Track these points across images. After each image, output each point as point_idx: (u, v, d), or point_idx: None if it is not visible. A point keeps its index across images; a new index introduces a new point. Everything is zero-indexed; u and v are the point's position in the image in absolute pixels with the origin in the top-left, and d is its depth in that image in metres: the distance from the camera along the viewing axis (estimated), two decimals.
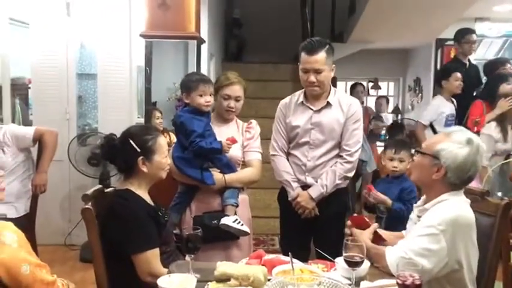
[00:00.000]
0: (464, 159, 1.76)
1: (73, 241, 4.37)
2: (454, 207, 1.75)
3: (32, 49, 4.39)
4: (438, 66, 6.47)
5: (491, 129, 3.82)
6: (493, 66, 4.61)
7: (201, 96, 2.44)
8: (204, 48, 4.37)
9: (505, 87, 4.03)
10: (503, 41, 7.24)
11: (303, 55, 2.52)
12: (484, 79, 4.77)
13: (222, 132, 2.50)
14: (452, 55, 6.34)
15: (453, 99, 4.43)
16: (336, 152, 2.59)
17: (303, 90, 2.63)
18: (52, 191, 4.02)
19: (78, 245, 4.23)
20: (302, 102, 2.62)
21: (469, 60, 4.75)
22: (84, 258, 3.94)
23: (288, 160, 2.66)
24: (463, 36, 4.68)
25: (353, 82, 6.46)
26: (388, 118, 6.77)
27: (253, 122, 2.65)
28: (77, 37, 4.46)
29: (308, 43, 2.53)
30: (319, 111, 2.58)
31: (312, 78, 2.49)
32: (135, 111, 4.48)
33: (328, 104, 2.58)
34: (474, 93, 4.60)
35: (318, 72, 2.49)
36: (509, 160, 3.79)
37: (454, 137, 1.80)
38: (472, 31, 4.76)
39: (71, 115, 4.44)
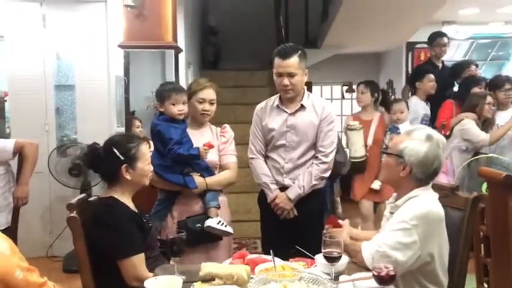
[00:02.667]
0: (425, 154, 1.87)
1: (55, 252, 4.36)
2: (424, 202, 1.86)
3: (7, 62, 4.38)
4: (409, 69, 6.67)
5: (470, 121, 3.99)
6: (459, 68, 4.78)
7: (173, 105, 2.51)
8: (182, 57, 4.42)
9: (475, 90, 4.21)
10: (470, 43, 7.50)
11: (277, 60, 2.61)
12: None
13: (196, 138, 2.57)
14: (422, 58, 6.59)
15: (427, 101, 4.58)
16: (311, 153, 2.68)
17: (278, 94, 2.73)
18: (32, 203, 3.99)
19: (60, 256, 4.22)
20: (277, 105, 2.71)
21: (442, 62, 4.93)
22: (67, 269, 3.94)
23: (266, 163, 2.74)
24: (435, 39, 4.87)
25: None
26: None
27: (227, 126, 2.74)
28: (54, 49, 4.46)
29: (281, 48, 2.64)
30: (293, 113, 2.68)
31: (286, 81, 2.59)
32: (115, 120, 4.51)
33: (303, 107, 2.67)
34: (447, 94, 4.77)
35: (291, 75, 2.58)
36: (478, 157, 3.96)
37: (415, 135, 1.92)
38: (443, 34, 4.95)
39: (50, 126, 4.44)
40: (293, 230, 2.67)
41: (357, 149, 3.85)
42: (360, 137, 3.86)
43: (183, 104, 2.54)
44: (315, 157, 2.68)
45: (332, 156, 2.69)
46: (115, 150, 2.06)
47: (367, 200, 3.98)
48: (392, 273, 1.48)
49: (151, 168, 2.19)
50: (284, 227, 2.67)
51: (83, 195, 2.18)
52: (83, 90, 4.43)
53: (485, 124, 4.12)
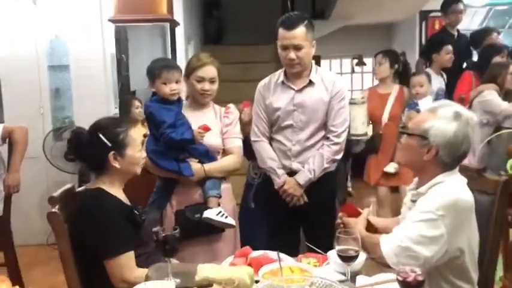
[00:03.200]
0: (454, 134, 1.63)
1: (54, 241, 4.19)
2: (452, 189, 1.62)
3: None
4: (423, 39, 6.35)
5: (492, 92, 3.68)
6: (480, 36, 4.48)
7: (165, 84, 2.27)
8: (180, 31, 4.18)
9: (496, 60, 3.91)
10: (487, 10, 7.13)
11: (281, 31, 2.35)
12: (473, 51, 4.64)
13: (198, 120, 2.33)
14: (437, 27, 6.23)
15: (443, 73, 4.29)
16: (321, 133, 2.44)
17: (283, 69, 2.47)
18: (29, 189, 3.86)
19: None
20: (282, 81, 2.45)
21: (457, 31, 4.61)
22: None
23: (271, 145, 2.50)
24: (449, 6, 4.53)
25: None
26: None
27: (232, 106, 2.49)
28: (46, 27, 4.22)
29: (286, 18, 2.37)
30: (301, 90, 2.42)
31: (292, 55, 2.33)
32: (112, 101, 4.29)
33: (311, 83, 2.42)
34: (464, 65, 4.47)
35: (297, 48, 2.32)
36: (500, 133, 3.69)
37: (440, 113, 1.67)
38: (458, 0, 4.60)
39: (45, 109, 4.25)
40: (302, 218, 2.46)
41: (357, 126, 3.42)
42: (360, 113, 3.45)
43: (176, 82, 2.30)
44: (325, 138, 2.44)
45: (344, 136, 2.45)
46: (101, 136, 1.83)
47: (383, 186, 3.67)
48: (420, 278, 1.25)
49: (144, 154, 1.96)
50: (292, 215, 2.45)
51: (68, 186, 1.96)
52: (78, 70, 4.22)
53: (508, 96, 3.81)
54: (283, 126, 2.45)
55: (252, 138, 2.52)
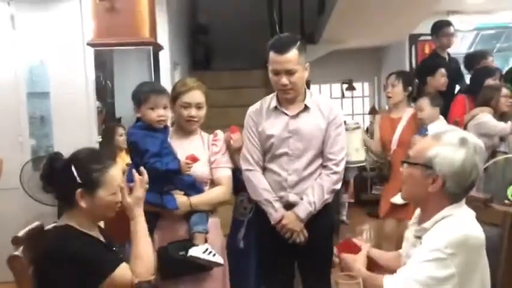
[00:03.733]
0: (462, 163, 1.47)
1: None
2: (461, 224, 1.47)
3: None
4: (413, 63, 6.30)
5: (486, 114, 3.56)
6: (474, 59, 4.42)
7: (152, 109, 2.10)
8: (166, 56, 4.08)
9: (489, 82, 3.82)
10: (474, 35, 7.15)
11: (272, 55, 2.19)
12: (465, 73, 4.58)
13: (184, 148, 2.17)
14: (427, 50, 6.20)
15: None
16: (319, 162, 2.27)
17: (275, 93, 2.32)
18: (8, 221, 3.66)
19: None
20: (275, 107, 2.29)
21: (448, 54, 4.55)
22: None
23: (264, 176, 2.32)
24: (441, 29, 4.46)
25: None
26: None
27: (219, 132, 2.32)
28: (25, 53, 4.11)
29: (276, 40, 2.23)
30: (295, 116, 2.26)
31: (284, 80, 2.17)
32: (95, 129, 4.12)
33: (306, 108, 2.26)
34: (457, 88, 4.39)
35: (290, 73, 2.17)
36: (498, 159, 3.57)
37: (445, 139, 1.51)
38: (449, 23, 4.56)
39: (24, 138, 4.08)
40: (297, 253, 2.26)
41: (350, 153, 3.15)
42: (354, 139, 3.28)
43: (164, 108, 2.14)
44: (323, 166, 2.27)
45: (343, 164, 2.29)
46: (73, 168, 1.66)
47: (391, 218, 3.36)
48: None
49: (118, 199, 1.72)
50: (286, 251, 2.26)
51: (36, 224, 1.77)
52: (59, 97, 4.11)
53: (504, 118, 3.72)
54: (278, 155, 2.27)
55: (244, 167, 2.32)
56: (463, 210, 1.54)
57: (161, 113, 2.12)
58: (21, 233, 1.65)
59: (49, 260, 1.57)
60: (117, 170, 1.72)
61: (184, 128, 2.25)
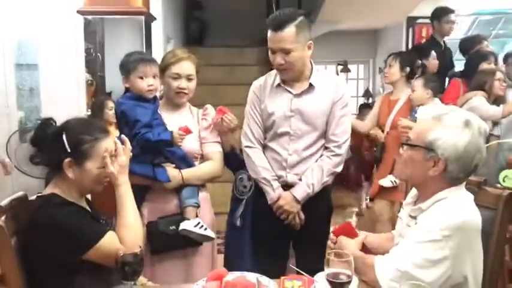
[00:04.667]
0: (466, 146, 1.42)
1: None
2: (460, 208, 1.43)
3: None
4: (410, 46, 6.22)
5: (479, 98, 3.53)
6: (470, 44, 4.36)
7: (141, 78, 2.05)
8: (159, 29, 3.97)
9: (484, 66, 3.78)
10: (472, 20, 7.09)
11: (269, 32, 2.09)
12: (457, 59, 4.54)
13: (173, 121, 2.11)
14: (424, 34, 6.12)
15: None
16: (321, 143, 2.19)
17: None
18: None
19: None
20: (279, 84, 2.19)
21: (444, 42, 4.50)
22: None
23: (264, 154, 2.25)
24: (445, 15, 4.37)
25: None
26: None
27: (209, 107, 2.27)
28: (13, 24, 3.94)
29: (274, 17, 2.09)
30: (300, 95, 2.17)
31: (279, 59, 2.07)
32: (84, 103, 4.03)
33: (311, 87, 2.17)
34: (446, 77, 4.37)
35: (285, 52, 2.05)
36: (490, 144, 3.55)
37: (448, 121, 1.46)
38: (452, 10, 4.49)
39: (11, 109, 3.95)
40: (292, 234, 2.21)
41: None
42: None
43: (154, 77, 2.08)
44: (325, 148, 2.19)
45: (346, 147, 2.20)
46: (64, 136, 1.60)
47: (381, 200, 3.35)
48: None
49: (108, 171, 1.65)
50: (281, 231, 2.21)
51: (20, 193, 1.71)
52: (49, 68, 3.94)
53: (497, 103, 3.69)
54: (279, 134, 2.19)
55: (245, 144, 2.25)
56: (462, 193, 1.51)
57: (151, 82, 2.07)
58: (3, 203, 1.59)
59: (34, 230, 1.53)
60: (108, 143, 1.67)
61: (174, 101, 2.18)
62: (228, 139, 2.26)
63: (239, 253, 2.40)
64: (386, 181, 3.19)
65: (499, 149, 3.63)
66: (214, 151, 2.20)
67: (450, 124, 1.45)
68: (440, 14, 4.40)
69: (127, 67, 2.09)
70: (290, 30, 2.03)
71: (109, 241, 1.54)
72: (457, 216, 1.40)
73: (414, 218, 1.52)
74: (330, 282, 1.27)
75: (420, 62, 3.68)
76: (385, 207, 3.31)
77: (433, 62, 4.03)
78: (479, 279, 1.50)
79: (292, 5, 6.01)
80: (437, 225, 1.38)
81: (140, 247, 1.39)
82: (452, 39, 5.29)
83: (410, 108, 3.25)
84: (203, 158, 2.20)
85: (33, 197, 1.74)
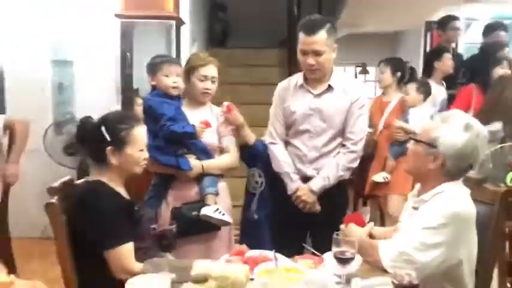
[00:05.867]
0: (463, 146, 1.62)
1: (52, 234, 4.17)
2: (456, 199, 1.63)
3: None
4: (428, 50, 6.33)
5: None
6: (493, 49, 4.25)
7: (167, 76, 2.30)
8: (186, 32, 4.19)
9: (498, 72, 3.88)
10: None
11: (301, 35, 2.30)
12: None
13: (194, 118, 2.33)
14: None
15: (443, 82, 4.27)
16: (339, 140, 2.40)
17: (302, 72, 2.44)
18: (28, 181, 3.85)
19: None
20: (302, 85, 2.42)
21: (453, 49, 4.60)
22: None
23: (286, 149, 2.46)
24: (448, 22, 4.50)
25: None
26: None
27: (226, 104, 2.45)
28: (51, 22, 4.22)
29: (307, 22, 2.32)
30: (319, 95, 2.39)
31: (311, 60, 2.29)
32: (114, 98, 4.28)
33: (330, 88, 2.38)
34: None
35: (317, 54, 2.27)
36: (502, 145, 3.66)
37: (452, 123, 1.66)
38: (456, 17, 4.59)
39: (48, 103, 4.26)
40: (309, 225, 2.40)
41: None
42: None
43: (177, 76, 2.32)
44: (342, 145, 2.40)
45: (362, 144, 2.41)
46: (103, 129, 1.84)
47: (372, 195, 3.59)
48: (415, 282, 1.26)
49: (146, 155, 1.93)
50: (299, 225, 2.40)
51: (68, 178, 1.96)
52: (82, 65, 4.24)
53: None
54: (300, 131, 2.41)
55: (269, 140, 2.47)
56: (459, 187, 1.70)
57: (175, 80, 2.31)
58: (55, 184, 1.83)
59: (81, 210, 1.76)
60: (142, 129, 1.91)
61: (198, 100, 2.40)
62: (237, 135, 2.45)
63: (259, 245, 2.59)
64: (379, 177, 3.41)
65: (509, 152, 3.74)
66: (231, 145, 2.42)
67: (453, 125, 1.65)
68: (444, 22, 4.53)
69: (154, 67, 2.33)
70: (322, 34, 2.26)
71: (122, 252, 1.71)
72: (453, 207, 1.59)
73: (417, 209, 1.72)
74: (337, 259, 1.48)
75: (409, 66, 3.80)
76: (395, 201, 3.41)
77: (447, 62, 4.10)
78: (473, 263, 1.68)
79: (313, 9, 6.23)
80: (435, 214, 1.58)
81: (175, 224, 1.60)
82: (472, 44, 5.37)
83: (402, 110, 3.47)
84: (222, 152, 2.42)
85: (81, 181, 1.99)
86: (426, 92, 3.53)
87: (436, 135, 1.65)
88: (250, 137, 2.47)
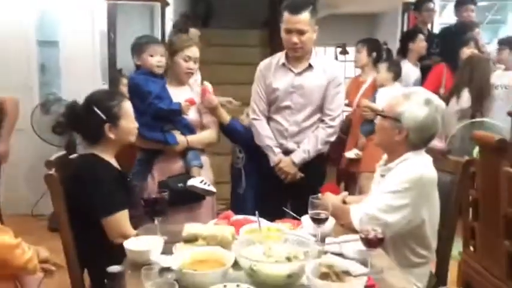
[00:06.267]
0: (424, 119, 1.80)
1: (40, 211, 4.30)
2: (418, 165, 1.80)
3: None
4: (405, 31, 6.49)
5: (456, 103, 3.81)
6: (463, 29, 4.46)
7: (151, 56, 2.43)
8: (170, 12, 4.26)
9: (465, 51, 4.03)
10: None
11: (286, 14, 2.42)
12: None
13: (177, 96, 2.47)
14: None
15: (418, 63, 4.43)
16: (317, 116, 2.56)
17: (284, 51, 2.57)
18: (16, 160, 3.94)
19: (45, 215, 4.16)
20: (283, 63, 2.56)
21: (428, 30, 4.78)
22: (52, 227, 3.90)
23: (268, 124, 2.62)
24: (422, 4, 4.69)
25: None
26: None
27: (207, 83, 2.62)
28: (36, 2, 4.26)
29: (291, 2, 2.43)
30: (300, 73, 2.53)
31: (295, 39, 2.42)
32: (99, 78, 4.37)
33: (310, 67, 2.53)
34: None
35: (301, 33, 2.41)
36: (469, 121, 3.86)
37: (413, 98, 1.83)
38: None
39: (33, 83, 4.32)
40: (290, 195, 2.55)
41: None
42: None
43: (161, 56, 2.46)
44: (320, 120, 2.57)
45: (339, 120, 2.59)
46: (96, 109, 1.96)
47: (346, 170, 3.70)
48: (380, 236, 1.43)
49: (137, 124, 2.08)
50: (281, 192, 2.56)
51: (63, 152, 2.10)
52: (68, 46, 4.30)
53: None
54: (282, 107, 2.56)
55: (251, 116, 2.63)
56: (422, 155, 1.88)
57: (159, 59, 2.45)
58: (51, 158, 1.96)
59: (79, 179, 1.89)
60: (129, 102, 2.05)
61: (180, 79, 2.53)
62: (212, 115, 2.60)
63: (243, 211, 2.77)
64: (351, 153, 3.57)
65: (482, 129, 3.94)
66: (211, 121, 2.58)
67: (414, 101, 1.82)
68: (419, 4, 4.71)
69: (139, 47, 2.48)
70: (306, 14, 2.39)
71: (119, 218, 1.86)
72: (415, 171, 1.77)
73: (383, 176, 1.90)
74: (313, 219, 1.65)
75: (386, 47, 3.96)
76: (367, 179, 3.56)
77: (420, 44, 4.29)
78: (435, 222, 1.88)
79: None
80: (400, 179, 1.76)
81: (166, 191, 1.76)
82: (446, 24, 5.54)
83: (375, 89, 3.59)
84: (202, 128, 2.57)
85: (74, 155, 2.12)
86: (396, 72, 3.62)
87: (400, 111, 1.82)
88: (225, 117, 2.63)
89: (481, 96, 3.84)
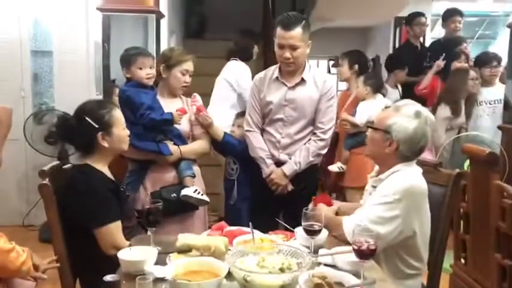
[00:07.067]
0: (414, 131, 1.82)
1: (31, 221, 4.27)
2: (408, 177, 1.82)
3: None
4: (397, 44, 6.59)
5: (441, 112, 3.89)
6: (450, 44, 4.63)
7: (140, 69, 2.44)
8: (164, 24, 4.29)
9: (455, 64, 4.17)
10: None
11: (279, 30, 2.46)
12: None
13: (168, 107, 2.49)
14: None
15: (398, 86, 4.50)
16: (310, 129, 2.60)
17: (278, 65, 2.61)
18: (8, 171, 3.94)
19: (37, 226, 4.14)
20: (277, 77, 2.60)
21: (420, 43, 4.86)
22: (43, 238, 3.87)
23: (262, 136, 2.65)
24: (414, 18, 4.78)
25: None
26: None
27: (197, 95, 2.65)
28: (30, 12, 4.27)
29: (284, 18, 2.47)
30: (293, 87, 2.57)
31: (287, 54, 2.46)
32: (93, 88, 4.37)
33: (303, 81, 2.56)
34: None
35: (293, 48, 2.44)
36: (460, 135, 3.94)
37: (404, 111, 1.86)
38: (422, 14, 4.86)
39: (26, 93, 4.30)
40: (283, 206, 2.58)
41: None
42: None
43: (150, 68, 2.47)
44: (312, 133, 2.60)
45: (330, 133, 2.62)
46: (87, 118, 1.97)
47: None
48: (372, 247, 1.45)
49: (128, 132, 2.10)
50: (274, 203, 2.59)
51: (57, 162, 2.09)
52: (62, 56, 4.28)
53: (470, 100, 4.08)
54: (275, 119, 2.60)
55: (245, 128, 2.66)
56: (413, 167, 1.91)
57: (148, 72, 2.45)
58: (46, 168, 1.96)
59: (72, 190, 1.89)
60: (118, 110, 2.07)
61: (175, 92, 2.56)
62: (206, 133, 2.63)
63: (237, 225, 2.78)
64: (334, 167, 3.56)
65: (471, 142, 4.01)
66: (203, 132, 2.60)
67: (404, 113, 1.86)
68: (411, 18, 4.80)
69: (127, 59, 2.46)
70: (298, 30, 2.42)
71: (112, 230, 1.85)
72: (406, 182, 1.79)
73: (375, 187, 1.92)
74: (306, 231, 1.66)
75: (371, 58, 4.00)
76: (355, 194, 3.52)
77: (399, 74, 4.44)
78: (426, 234, 1.90)
79: (287, 3, 6.39)
80: (391, 190, 1.78)
81: (160, 202, 1.76)
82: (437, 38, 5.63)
83: (357, 103, 3.52)
84: (193, 138, 2.60)
85: (68, 165, 2.12)
86: (373, 85, 3.47)
87: (390, 123, 1.85)
88: (219, 134, 2.67)
89: (459, 99, 3.92)
